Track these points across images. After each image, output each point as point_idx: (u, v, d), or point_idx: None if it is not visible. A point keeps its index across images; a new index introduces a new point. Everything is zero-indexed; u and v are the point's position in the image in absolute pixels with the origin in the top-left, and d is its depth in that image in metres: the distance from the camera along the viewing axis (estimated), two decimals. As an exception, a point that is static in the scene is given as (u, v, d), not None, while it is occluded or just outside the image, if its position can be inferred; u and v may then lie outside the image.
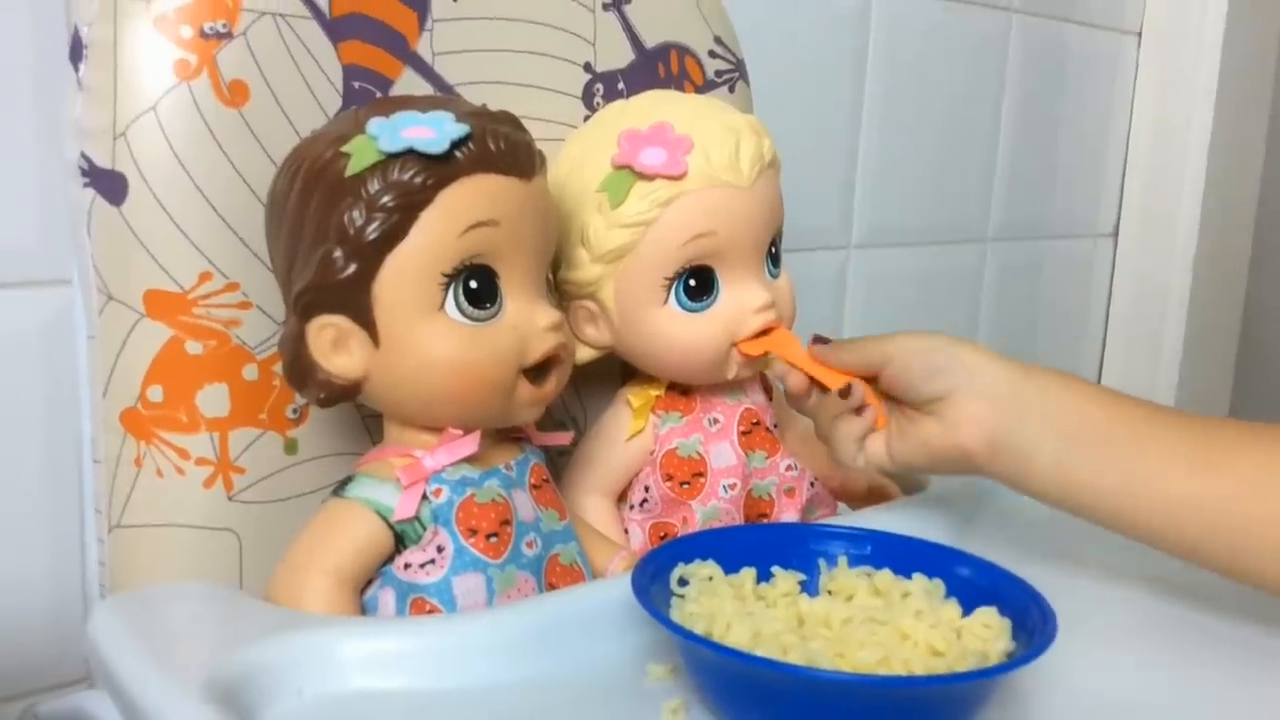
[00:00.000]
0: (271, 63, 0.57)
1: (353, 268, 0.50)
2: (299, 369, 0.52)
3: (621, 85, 0.71)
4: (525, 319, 0.53)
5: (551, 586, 0.55)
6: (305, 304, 0.51)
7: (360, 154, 0.49)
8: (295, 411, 0.59)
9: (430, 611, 0.51)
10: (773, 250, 0.63)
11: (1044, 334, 1.39)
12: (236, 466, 0.57)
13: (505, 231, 0.51)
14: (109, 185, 0.55)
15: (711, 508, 0.63)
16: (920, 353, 0.57)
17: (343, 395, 0.52)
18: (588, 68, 0.70)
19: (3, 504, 0.66)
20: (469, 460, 0.53)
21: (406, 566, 0.52)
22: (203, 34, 0.55)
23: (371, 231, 0.49)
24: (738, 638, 0.44)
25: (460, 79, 0.64)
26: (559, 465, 0.64)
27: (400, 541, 0.52)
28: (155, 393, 0.56)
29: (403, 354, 0.51)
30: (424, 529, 0.52)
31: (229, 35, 0.56)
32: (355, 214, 0.49)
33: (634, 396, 0.64)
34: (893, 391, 0.58)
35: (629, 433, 0.63)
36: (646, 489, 0.63)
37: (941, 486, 0.68)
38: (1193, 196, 1.38)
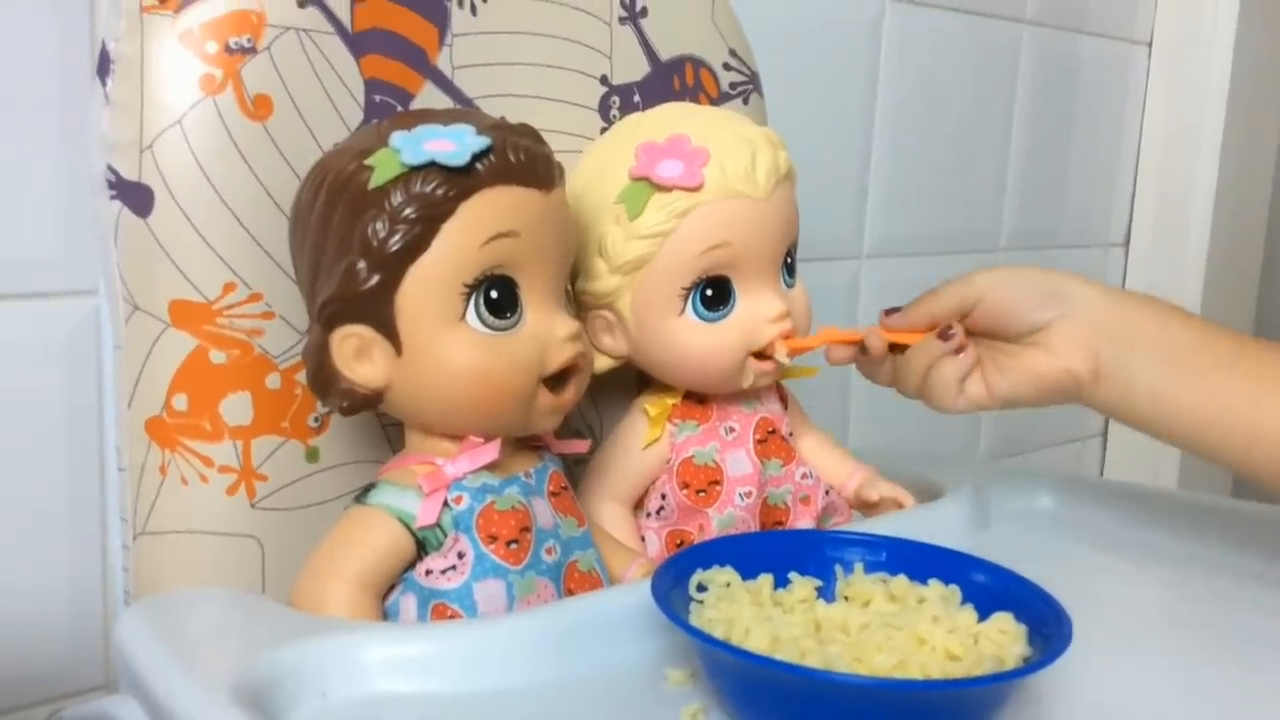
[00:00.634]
0: (295, 77, 0.58)
1: (376, 279, 0.50)
2: (322, 378, 0.53)
3: (637, 98, 0.72)
4: (545, 329, 0.54)
5: (570, 592, 0.56)
6: (329, 314, 0.51)
7: (383, 167, 0.50)
8: (317, 420, 0.59)
9: (451, 617, 0.52)
10: (788, 260, 0.63)
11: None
12: (259, 474, 0.58)
13: (525, 242, 0.52)
14: (135, 197, 0.56)
15: (728, 515, 0.63)
16: (1019, 284, 0.56)
17: (365, 404, 0.53)
18: (604, 80, 0.70)
19: (25, 511, 0.66)
20: (489, 468, 0.54)
21: (428, 573, 0.53)
22: (228, 49, 0.56)
23: (394, 243, 0.50)
24: (756, 642, 0.45)
25: (479, 92, 0.65)
26: (576, 474, 0.65)
27: (422, 548, 0.53)
28: (180, 401, 0.56)
29: (425, 363, 0.52)
30: (445, 535, 0.53)
31: (253, 50, 0.57)
32: (378, 226, 0.50)
33: (650, 405, 0.64)
34: (990, 327, 0.57)
35: (645, 441, 0.64)
36: (663, 497, 0.64)
37: (955, 493, 0.68)
38: (1204, 206, 1.38)
